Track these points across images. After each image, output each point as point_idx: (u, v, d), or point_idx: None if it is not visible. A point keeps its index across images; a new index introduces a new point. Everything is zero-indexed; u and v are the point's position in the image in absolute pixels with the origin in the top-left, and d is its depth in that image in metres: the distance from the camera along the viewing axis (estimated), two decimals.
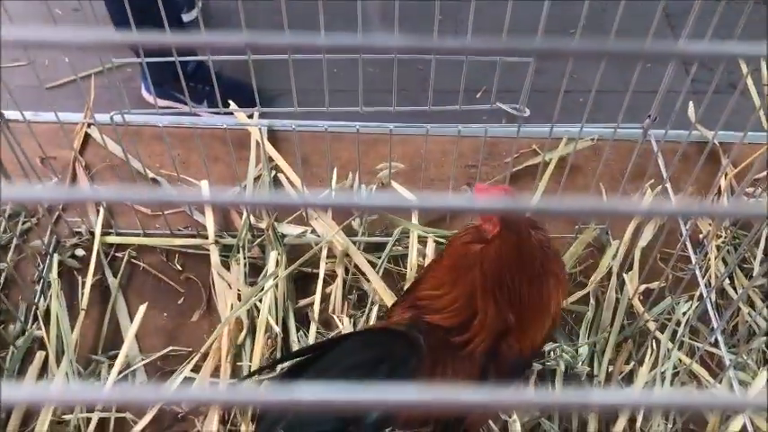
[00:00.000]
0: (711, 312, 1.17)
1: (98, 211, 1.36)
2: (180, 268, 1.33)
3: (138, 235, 1.35)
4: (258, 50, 0.40)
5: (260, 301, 1.23)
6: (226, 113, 1.38)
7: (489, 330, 0.92)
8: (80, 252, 1.32)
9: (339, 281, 1.28)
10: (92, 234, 1.33)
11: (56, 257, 1.30)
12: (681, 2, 1.09)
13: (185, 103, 1.33)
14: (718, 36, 1.03)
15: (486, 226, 0.90)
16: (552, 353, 1.20)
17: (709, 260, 1.26)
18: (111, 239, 1.34)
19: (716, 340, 1.16)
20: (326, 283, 1.28)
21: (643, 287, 1.24)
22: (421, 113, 1.25)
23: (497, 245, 0.90)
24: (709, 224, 1.29)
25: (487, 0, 1.04)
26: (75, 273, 1.31)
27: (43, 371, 1.19)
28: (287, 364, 0.88)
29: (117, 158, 1.43)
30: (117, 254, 1.34)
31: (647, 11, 1.06)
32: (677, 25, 1.93)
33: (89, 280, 1.27)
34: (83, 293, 1.26)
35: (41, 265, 1.30)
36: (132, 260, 1.33)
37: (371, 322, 1.23)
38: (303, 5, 1.10)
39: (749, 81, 1.33)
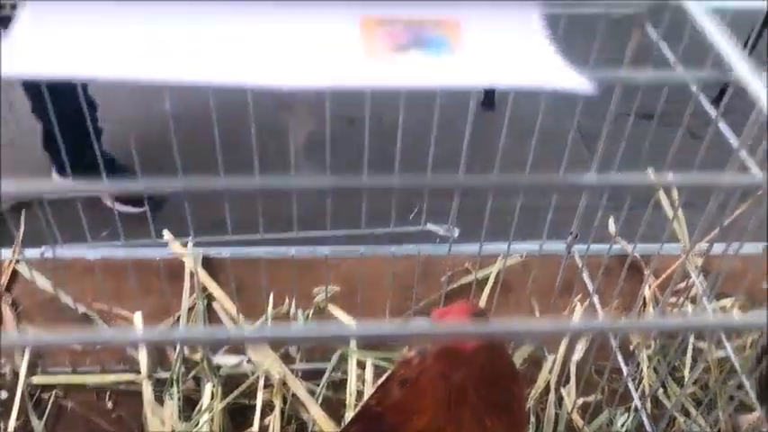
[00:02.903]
0: (647, 423, 1.18)
1: (23, 351, 1.32)
2: (111, 407, 1.28)
3: (66, 373, 1.30)
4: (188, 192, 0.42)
5: None
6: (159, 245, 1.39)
7: None
8: (3, 394, 1.26)
9: (277, 411, 1.25)
10: (16, 374, 1.27)
11: None
12: (594, 122, 1.17)
13: None
14: (629, 154, 1.11)
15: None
16: None
17: (642, 371, 1.28)
18: (38, 379, 1.28)
19: None
20: (264, 414, 1.25)
21: (581, 401, 1.25)
22: (355, 235, 1.28)
23: (483, 357, 0.86)
24: (638, 339, 1.32)
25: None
26: None
27: None
28: None
29: (46, 293, 1.40)
30: (43, 394, 1.28)
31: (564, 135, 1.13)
32: (591, 146, 2.04)
33: (11, 425, 1.21)
34: None
35: None
36: (60, 400, 1.28)
37: None
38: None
39: (661, 195, 1.41)
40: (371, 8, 0.41)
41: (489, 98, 3.09)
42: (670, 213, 1.42)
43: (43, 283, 1.40)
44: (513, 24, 0.44)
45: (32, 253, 1.41)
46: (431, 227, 1.21)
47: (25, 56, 0.36)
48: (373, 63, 0.37)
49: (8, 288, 1.43)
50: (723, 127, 1.01)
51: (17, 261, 1.46)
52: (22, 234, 1.45)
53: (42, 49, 0.37)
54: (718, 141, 1.00)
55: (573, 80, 0.39)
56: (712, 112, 1.03)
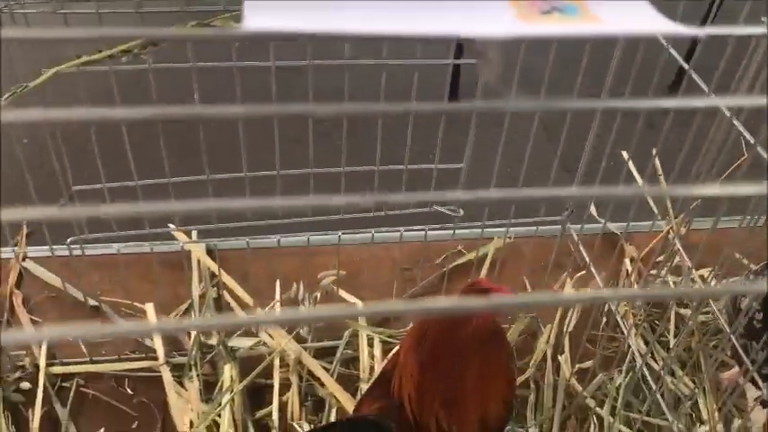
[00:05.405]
0: (648, 375, 1.30)
1: (41, 344, 1.34)
2: (131, 392, 1.32)
3: (84, 363, 1.34)
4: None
5: (218, 416, 1.24)
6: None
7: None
8: (25, 385, 1.29)
9: (294, 388, 1.31)
10: (36, 366, 1.30)
11: None
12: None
13: None
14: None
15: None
16: None
17: (631, 337, 1.39)
18: (57, 369, 1.32)
19: (648, 411, 1.28)
20: (282, 392, 1.31)
21: (577, 367, 1.35)
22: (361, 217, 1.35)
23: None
24: (626, 306, 1.43)
25: None
26: (22, 407, 1.27)
27: None
28: None
29: (55, 288, 1.43)
30: (64, 384, 1.31)
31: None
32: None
33: (37, 414, 1.24)
34: (32, 428, 1.22)
35: None
36: (81, 388, 1.31)
37: None
38: None
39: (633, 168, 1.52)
40: None
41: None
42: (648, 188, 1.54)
43: (52, 278, 1.43)
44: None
45: (38, 251, 1.45)
46: (438, 208, 1.29)
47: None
48: (528, 22, 0.46)
49: (17, 283, 1.46)
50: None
51: (24, 258, 1.49)
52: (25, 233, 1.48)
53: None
54: None
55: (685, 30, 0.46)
56: None
